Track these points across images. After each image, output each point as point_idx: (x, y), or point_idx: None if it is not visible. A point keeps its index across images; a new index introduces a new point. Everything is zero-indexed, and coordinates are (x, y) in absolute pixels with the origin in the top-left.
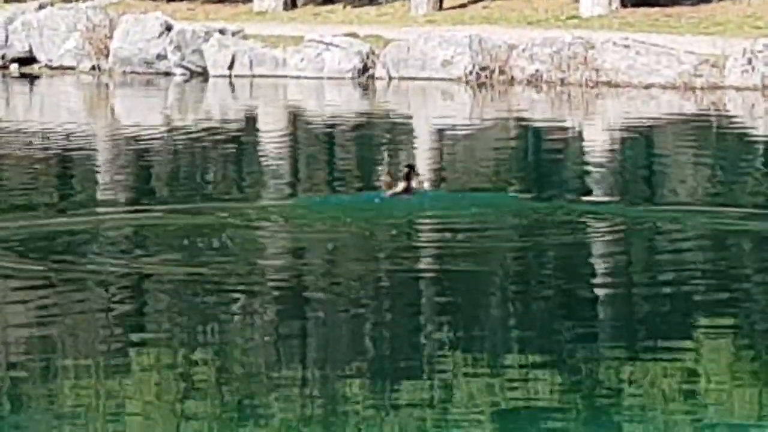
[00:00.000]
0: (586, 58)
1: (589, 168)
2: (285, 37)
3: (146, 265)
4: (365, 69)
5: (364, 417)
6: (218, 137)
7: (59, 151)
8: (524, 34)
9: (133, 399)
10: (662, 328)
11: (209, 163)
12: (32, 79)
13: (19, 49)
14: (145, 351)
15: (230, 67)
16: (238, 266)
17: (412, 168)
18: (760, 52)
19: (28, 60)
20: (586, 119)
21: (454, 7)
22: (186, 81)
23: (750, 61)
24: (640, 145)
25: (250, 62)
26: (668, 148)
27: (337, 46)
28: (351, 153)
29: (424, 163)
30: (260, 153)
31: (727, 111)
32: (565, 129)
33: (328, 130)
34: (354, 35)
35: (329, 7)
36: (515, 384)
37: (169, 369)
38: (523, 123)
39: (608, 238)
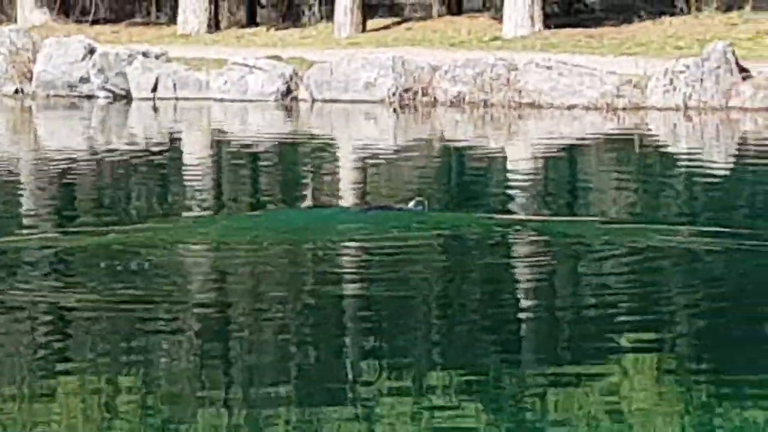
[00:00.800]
0: (509, 79)
1: (512, 185)
2: (208, 59)
3: (64, 288)
4: (288, 91)
5: None
6: (141, 159)
7: None
8: (447, 56)
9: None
10: (585, 348)
11: (131, 185)
12: None
13: None
14: (62, 378)
15: (154, 89)
16: (160, 287)
17: None
18: (681, 72)
19: None
20: (509, 140)
21: (377, 29)
22: (109, 104)
23: (671, 81)
24: (562, 164)
25: (174, 85)
26: (590, 167)
27: (260, 68)
28: (274, 174)
29: (347, 183)
30: (184, 174)
31: (650, 131)
32: (487, 150)
33: (251, 151)
34: (277, 58)
35: (253, 29)
36: (437, 407)
37: (85, 394)
38: (446, 144)
39: (529, 253)
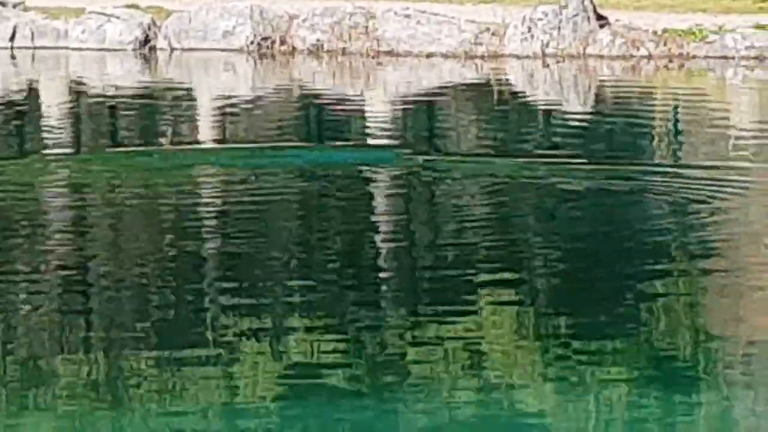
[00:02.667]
0: (367, 27)
1: (373, 128)
2: (67, 8)
3: None
4: (147, 40)
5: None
6: None
7: None
8: (305, 5)
9: None
10: (444, 289)
11: None
12: None
13: None
14: None
15: (11, 39)
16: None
17: None
18: (539, 20)
19: None
20: (368, 88)
21: None
22: None
23: (530, 29)
24: (420, 109)
25: (32, 34)
26: (447, 113)
27: (118, 17)
28: (132, 117)
29: (206, 132)
30: (41, 119)
31: (507, 78)
32: (345, 97)
33: (108, 97)
34: (135, 7)
35: None
36: (295, 351)
37: None
38: (305, 92)
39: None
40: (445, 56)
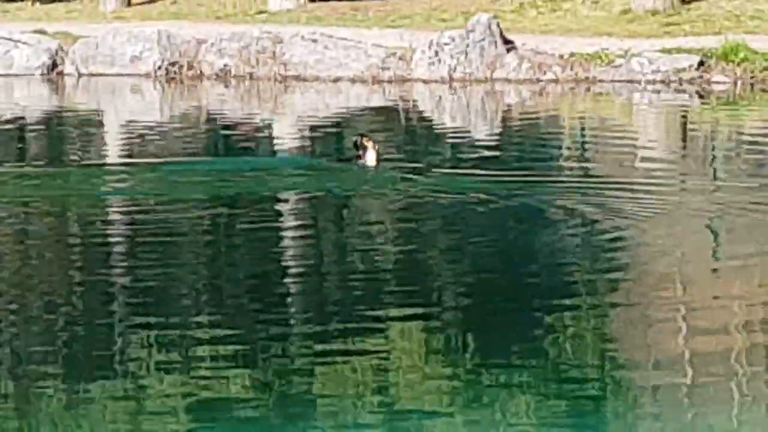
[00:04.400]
0: (274, 52)
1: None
2: None
3: None
4: (54, 65)
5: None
6: None
7: None
8: (213, 29)
9: None
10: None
11: None
12: None
13: None
14: None
15: None
16: None
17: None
18: (446, 44)
19: None
20: (275, 112)
21: (142, 3)
22: None
23: (437, 54)
24: (327, 134)
25: None
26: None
27: (25, 43)
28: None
29: (114, 154)
30: None
31: (415, 103)
32: (252, 122)
33: (16, 123)
34: (43, 32)
35: (17, 4)
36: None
37: None
38: (212, 117)
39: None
40: (353, 81)
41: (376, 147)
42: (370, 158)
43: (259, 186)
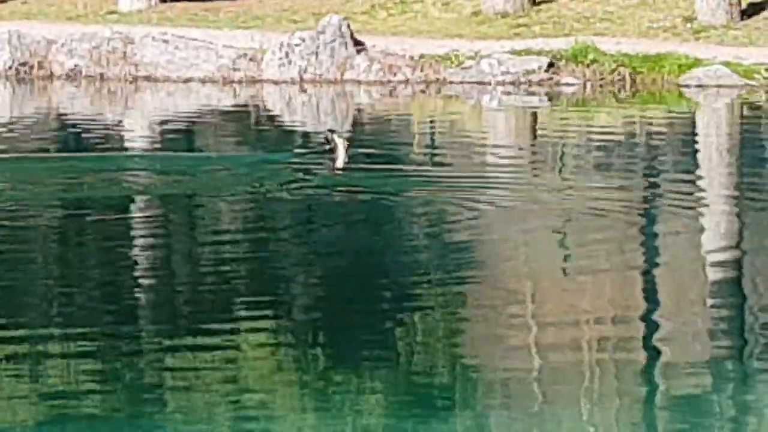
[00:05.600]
0: (125, 53)
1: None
2: None
3: None
4: None
5: None
6: None
7: None
8: (64, 30)
9: None
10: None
11: None
12: None
13: None
14: None
15: None
16: None
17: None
18: (297, 45)
19: None
20: (125, 113)
21: None
22: None
23: (287, 55)
24: (178, 133)
25: None
26: (204, 136)
27: None
28: None
29: None
30: None
31: (265, 103)
32: (103, 122)
33: None
34: None
35: None
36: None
37: None
38: (62, 117)
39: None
40: (203, 81)
41: (347, 146)
42: (340, 157)
43: (114, 187)
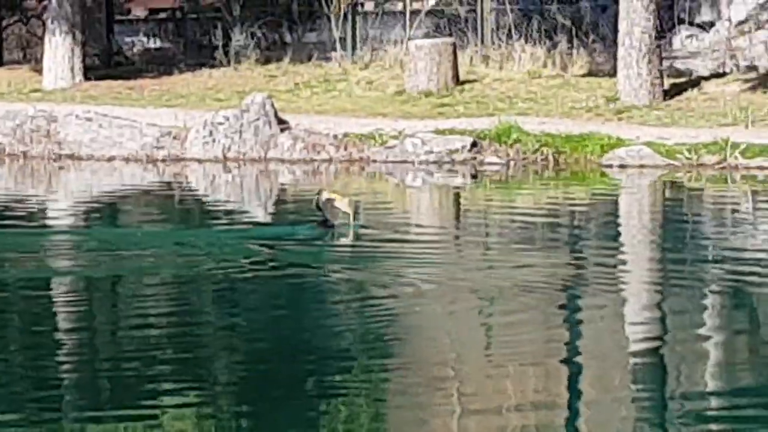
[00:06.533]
0: (49, 131)
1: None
2: None
3: None
4: None
5: None
6: None
7: None
8: None
9: None
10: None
11: None
12: None
13: None
14: None
15: None
16: None
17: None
18: (221, 124)
19: None
20: (48, 192)
21: None
22: None
23: (211, 133)
24: (102, 212)
25: None
26: (129, 214)
27: None
28: None
29: None
30: None
31: (189, 182)
32: (26, 201)
33: None
34: None
35: None
36: None
37: None
38: None
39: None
40: (127, 160)
41: (345, 200)
42: (344, 207)
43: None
